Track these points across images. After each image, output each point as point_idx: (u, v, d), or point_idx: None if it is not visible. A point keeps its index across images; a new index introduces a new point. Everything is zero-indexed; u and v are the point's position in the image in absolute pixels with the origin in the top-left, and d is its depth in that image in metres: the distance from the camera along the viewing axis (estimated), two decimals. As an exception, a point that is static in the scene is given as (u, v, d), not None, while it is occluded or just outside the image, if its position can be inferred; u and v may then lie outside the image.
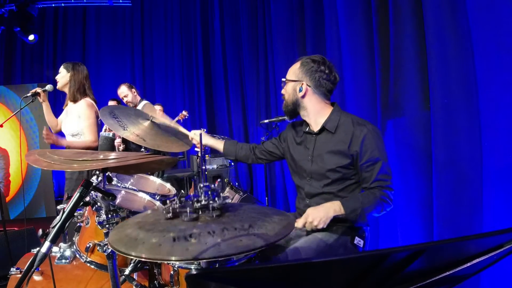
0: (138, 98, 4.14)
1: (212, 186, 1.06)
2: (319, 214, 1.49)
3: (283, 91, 1.77)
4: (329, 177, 1.65)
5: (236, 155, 2.01)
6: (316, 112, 1.71)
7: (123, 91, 4.05)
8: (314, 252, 1.55)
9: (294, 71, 1.71)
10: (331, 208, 1.53)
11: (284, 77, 1.75)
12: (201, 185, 1.05)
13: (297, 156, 1.79)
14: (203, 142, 1.97)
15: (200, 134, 1.71)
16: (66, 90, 2.76)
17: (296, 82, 1.69)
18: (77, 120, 2.66)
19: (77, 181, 2.62)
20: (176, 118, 4.24)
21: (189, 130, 2.00)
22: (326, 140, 1.69)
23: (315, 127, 1.73)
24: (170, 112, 4.95)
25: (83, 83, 2.75)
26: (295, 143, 1.82)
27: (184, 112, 4.56)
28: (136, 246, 0.89)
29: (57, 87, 2.78)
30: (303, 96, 1.68)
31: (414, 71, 2.27)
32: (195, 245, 0.86)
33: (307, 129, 1.77)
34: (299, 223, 1.50)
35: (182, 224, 0.98)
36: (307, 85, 1.66)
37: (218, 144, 2.01)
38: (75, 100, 2.70)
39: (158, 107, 4.92)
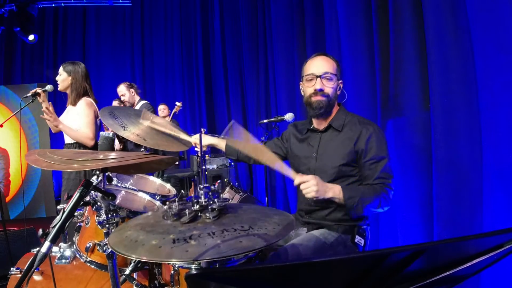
0: (137, 98, 4.13)
1: (212, 187, 1.06)
2: (317, 186, 1.42)
3: (326, 86, 1.65)
4: (332, 174, 1.65)
5: (238, 155, 2.01)
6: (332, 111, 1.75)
7: (121, 90, 4.06)
8: (312, 249, 1.54)
9: (335, 68, 1.69)
10: (331, 190, 1.50)
11: (327, 71, 1.64)
12: (201, 186, 1.05)
13: (300, 153, 1.79)
14: (205, 142, 1.96)
15: (200, 134, 1.72)
16: (68, 91, 2.77)
17: (339, 80, 1.72)
18: (75, 118, 2.67)
19: (74, 181, 2.62)
20: (173, 111, 4.23)
21: (189, 130, 2.00)
22: (332, 138, 1.70)
23: (321, 125, 1.74)
24: (170, 112, 4.95)
25: (85, 86, 2.75)
26: (298, 141, 1.83)
27: (178, 103, 4.52)
28: (136, 248, 0.89)
29: (58, 89, 2.78)
30: (339, 95, 1.75)
31: (414, 71, 2.27)
32: (195, 247, 0.86)
33: (311, 127, 1.78)
34: (296, 179, 1.43)
35: (182, 225, 0.98)
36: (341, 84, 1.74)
37: (220, 142, 2.00)
38: (75, 104, 2.71)
39: (163, 107, 4.91)
